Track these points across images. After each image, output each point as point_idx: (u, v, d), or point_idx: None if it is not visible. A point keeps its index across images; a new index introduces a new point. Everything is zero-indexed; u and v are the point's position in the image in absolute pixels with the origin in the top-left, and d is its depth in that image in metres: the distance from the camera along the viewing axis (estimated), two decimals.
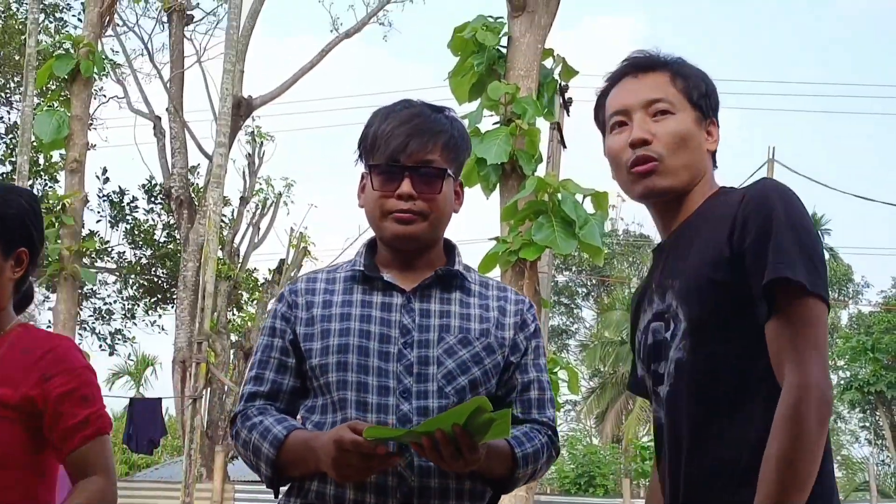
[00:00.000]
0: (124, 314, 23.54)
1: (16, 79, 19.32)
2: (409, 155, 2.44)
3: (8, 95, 21.28)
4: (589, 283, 39.73)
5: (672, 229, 2.38)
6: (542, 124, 12.06)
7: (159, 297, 22.98)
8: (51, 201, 14.82)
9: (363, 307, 2.47)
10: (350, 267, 2.57)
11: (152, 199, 22.40)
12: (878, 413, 31.78)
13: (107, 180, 22.49)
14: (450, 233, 2.65)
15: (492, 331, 2.51)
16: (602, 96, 2.50)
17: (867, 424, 34.68)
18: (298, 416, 2.52)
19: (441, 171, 2.50)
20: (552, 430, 2.53)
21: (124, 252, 22.90)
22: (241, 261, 19.28)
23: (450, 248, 2.61)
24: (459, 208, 2.63)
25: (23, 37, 15.59)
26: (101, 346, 23.65)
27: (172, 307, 20.86)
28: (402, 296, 2.49)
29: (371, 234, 2.63)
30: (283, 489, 2.47)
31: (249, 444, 2.39)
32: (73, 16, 21.69)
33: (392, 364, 2.40)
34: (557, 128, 12.65)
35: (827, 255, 36.80)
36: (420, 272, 2.53)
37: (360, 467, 2.16)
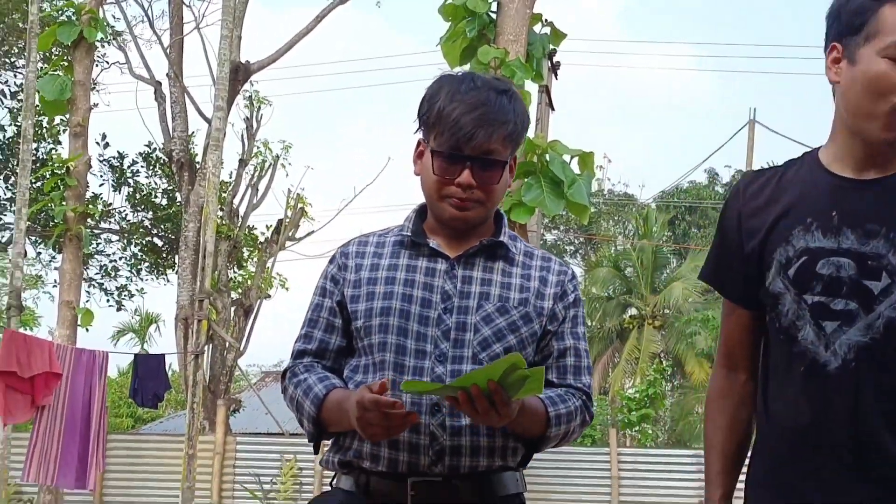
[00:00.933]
0: (130, 270, 23.61)
1: (19, 44, 19.19)
2: (472, 146, 2.39)
3: (12, 61, 21.19)
4: (576, 242, 39.78)
5: (871, 173, 2.19)
6: (531, 87, 12.09)
7: (159, 259, 23.02)
8: (55, 164, 14.82)
9: (408, 272, 2.46)
10: (399, 232, 2.55)
11: (151, 163, 22.38)
12: None
13: (107, 145, 22.44)
14: None
15: (531, 300, 2.49)
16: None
17: None
18: (345, 375, 2.52)
19: (502, 162, 2.46)
20: (587, 395, 2.52)
21: (126, 214, 22.95)
22: (240, 221, 19.23)
23: (498, 218, 2.58)
24: (512, 181, 2.61)
25: (25, 4, 15.46)
26: (108, 301, 23.79)
27: (173, 270, 20.86)
28: (446, 262, 2.47)
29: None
30: (327, 445, 2.51)
31: (294, 400, 2.43)
32: None
33: (431, 328, 2.40)
34: (546, 90, 12.66)
35: None
36: (467, 241, 2.51)
37: (381, 426, 2.16)
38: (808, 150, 2.35)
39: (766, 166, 2.66)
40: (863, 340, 2.10)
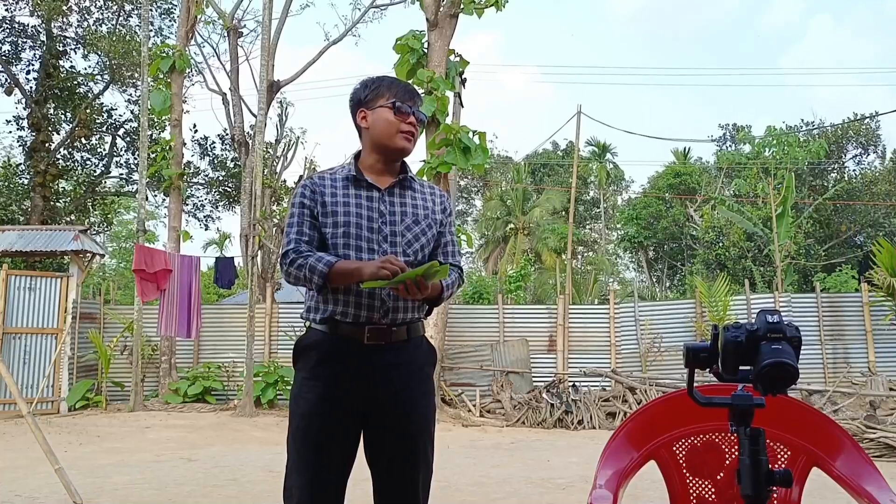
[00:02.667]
0: (211, 207, 23.36)
1: (137, 71, 18.55)
2: (413, 103, 2.45)
3: (134, 82, 20.58)
4: (478, 185, 39.72)
5: None
6: (449, 94, 12.00)
7: (229, 199, 22.82)
8: (162, 144, 14.51)
9: (356, 199, 2.41)
10: (345, 172, 2.47)
11: (224, 142, 22.04)
12: (639, 253, 32.47)
13: (196, 131, 22.13)
14: None
15: (430, 215, 2.48)
16: None
17: (633, 260, 35.41)
18: None
19: (424, 118, 2.51)
20: (460, 269, 2.53)
21: (208, 173, 22.64)
22: (277, 176, 18.96)
23: (404, 162, 2.54)
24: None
25: (140, 46, 14.99)
26: (199, 225, 23.66)
27: (238, 205, 20.63)
28: (379, 192, 2.43)
29: (350, 151, 2.59)
30: (308, 312, 2.42)
31: (305, 266, 2.29)
32: (170, 27, 21.03)
33: (374, 235, 2.37)
34: (458, 96, 12.55)
35: (611, 167, 36.90)
36: (388, 177, 2.47)
37: (388, 268, 2.17)
38: None
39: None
40: None
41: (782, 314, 1.59)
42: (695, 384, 1.71)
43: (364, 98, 2.48)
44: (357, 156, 2.53)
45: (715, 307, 12.62)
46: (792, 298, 13.43)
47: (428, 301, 2.41)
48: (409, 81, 11.65)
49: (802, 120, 30.41)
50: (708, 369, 1.63)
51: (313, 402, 2.31)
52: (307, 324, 2.44)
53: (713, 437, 2.01)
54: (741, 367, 1.58)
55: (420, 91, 11.52)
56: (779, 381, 1.50)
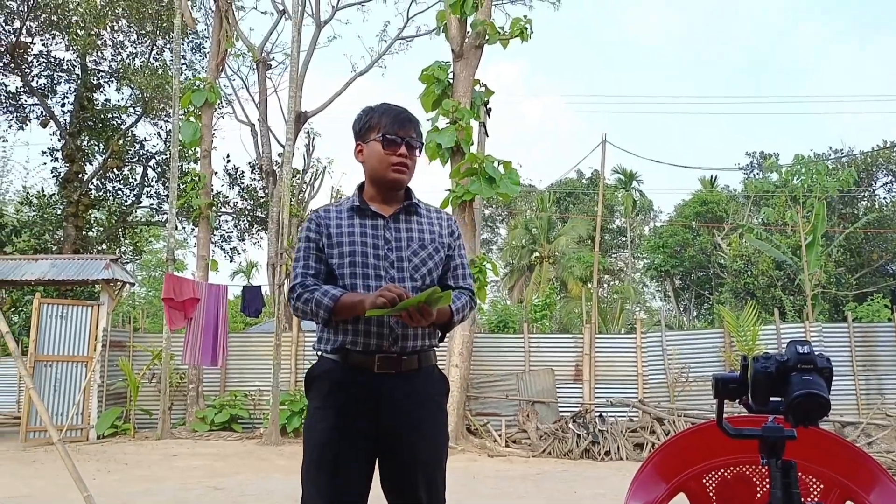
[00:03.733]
0: (239, 238, 23.53)
1: (169, 103, 18.91)
2: (404, 132, 2.44)
3: (166, 114, 20.97)
4: (503, 213, 39.75)
5: None
6: (474, 123, 12.08)
7: (257, 227, 23.00)
8: (192, 174, 14.72)
9: (361, 228, 2.43)
10: (350, 203, 2.50)
11: (253, 172, 22.31)
12: (665, 282, 32.17)
13: (229, 161, 22.50)
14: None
15: (437, 239, 2.49)
16: None
17: (660, 289, 35.06)
18: None
19: (420, 144, 2.51)
20: (471, 292, 2.53)
21: (237, 203, 22.90)
22: (304, 206, 19.15)
23: (408, 190, 2.55)
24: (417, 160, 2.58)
25: (172, 79, 15.28)
26: (225, 256, 23.77)
27: (266, 233, 20.80)
28: (383, 220, 2.45)
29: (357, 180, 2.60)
30: (319, 343, 2.43)
31: (311, 300, 2.32)
32: (201, 60, 21.43)
33: (381, 262, 2.39)
34: (483, 125, 12.63)
35: (638, 195, 36.63)
36: (392, 204, 2.49)
37: (388, 296, 2.16)
38: None
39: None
40: None
41: (813, 344, 1.57)
42: (724, 415, 1.69)
43: (359, 131, 2.52)
44: (362, 186, 2.56)
45: (744, 337, 12.44)
46: (823, 328, 13.21)
47: (438, 326, 2.41)
48: (435, 111, 11.69)
49: (830, 147, 30.17)
50: (738, 400, 1.62)
51: (325, 432, 2.32)
52: (319, 353, 2.45)
53: (744, 469, 1.98)
54: (772, 399, 1.56)
55: (445, 121, 11.68)
56: (810, 412, 1.48)
